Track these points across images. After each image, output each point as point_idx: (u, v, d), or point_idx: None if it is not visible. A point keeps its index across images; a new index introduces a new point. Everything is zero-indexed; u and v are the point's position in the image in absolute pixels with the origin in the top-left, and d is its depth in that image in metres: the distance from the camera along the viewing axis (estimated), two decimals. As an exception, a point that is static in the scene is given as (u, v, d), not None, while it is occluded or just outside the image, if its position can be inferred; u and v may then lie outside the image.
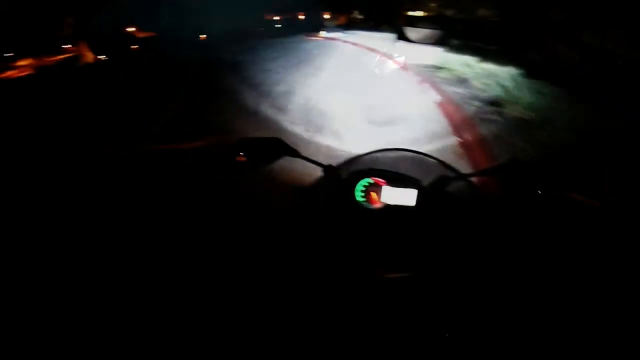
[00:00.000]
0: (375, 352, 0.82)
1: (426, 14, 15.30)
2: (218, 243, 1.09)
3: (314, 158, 0.99)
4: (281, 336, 0.89)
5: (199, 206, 1.60)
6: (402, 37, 12.20)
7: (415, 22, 12.48)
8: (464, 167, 1.06)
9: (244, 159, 0.96)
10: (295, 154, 0.99)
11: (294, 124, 3.80)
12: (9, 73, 8.87)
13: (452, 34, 10.26)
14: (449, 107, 4.62)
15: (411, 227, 0.96)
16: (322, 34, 16.48)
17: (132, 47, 13.85)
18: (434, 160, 1.02)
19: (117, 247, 1.46)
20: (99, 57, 11.56)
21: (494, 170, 1.01)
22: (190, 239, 1.30)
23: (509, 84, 5.83)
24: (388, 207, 0.98)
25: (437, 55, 8.42)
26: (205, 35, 21.43)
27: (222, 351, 0.97)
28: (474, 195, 0.99)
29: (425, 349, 0.82)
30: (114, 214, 1.72)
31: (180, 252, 1.33)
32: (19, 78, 8.41)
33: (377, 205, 0.98)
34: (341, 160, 1.04)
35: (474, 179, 1.00)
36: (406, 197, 0.97)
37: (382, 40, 11.89)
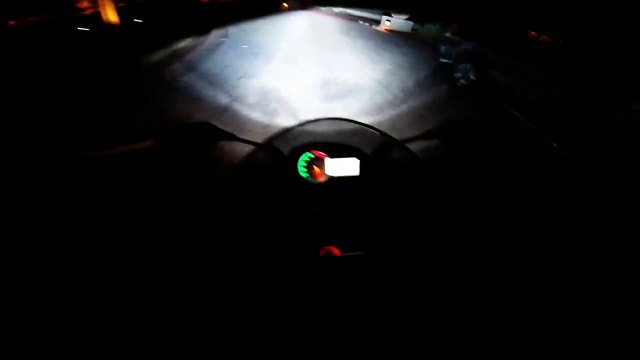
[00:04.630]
0: (326, 335, 0.80)
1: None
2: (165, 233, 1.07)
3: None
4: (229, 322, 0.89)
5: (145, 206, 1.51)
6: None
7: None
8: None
9: None
10: (229, 136, 0.96)
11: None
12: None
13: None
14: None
15: (357, 196, 0.93)
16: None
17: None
18: (371, 129, 0.99)
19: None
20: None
21: (429, 135, 1.01)
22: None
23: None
24: (332, 180, 0.95)
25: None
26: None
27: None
28: (413, 161, 0.96)
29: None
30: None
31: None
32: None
33: (322, 179, 0.95)
34: (277, 133, 0.99)
35: (411, 145, 0.96)
36: (349, 167, 0.94)
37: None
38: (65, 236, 1.40)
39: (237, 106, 3.71)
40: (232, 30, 9.53)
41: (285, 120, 3.27)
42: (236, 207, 0.93)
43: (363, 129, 1.02)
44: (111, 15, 10.94)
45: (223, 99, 3.90)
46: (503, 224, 1.07)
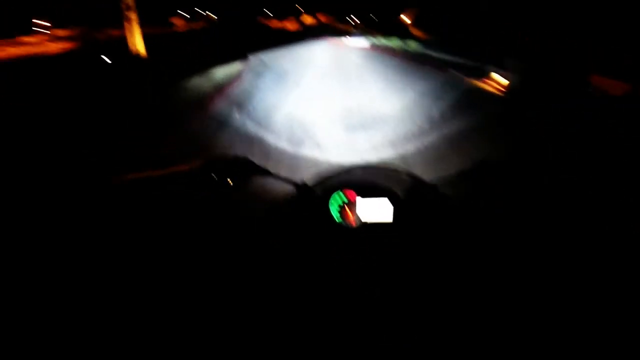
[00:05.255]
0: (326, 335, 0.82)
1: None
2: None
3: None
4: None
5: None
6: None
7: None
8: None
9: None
10: (265, 172, 0.98)
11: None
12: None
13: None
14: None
15: (391, 244, 0.92)
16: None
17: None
18: (405, 174, 0.98)
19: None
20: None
21: (461, 177, 1.03)
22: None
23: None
24: (366, 226, 0.94)
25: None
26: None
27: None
28: (448, 205, 0.94)
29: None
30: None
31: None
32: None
33: (355, 224, 0.94)
34: (313, 176, 1.01)
35: (446, 189, 0.96)
36: (382, 211, 0.93)
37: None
38: (64, 236, 1.47)
39: (264, 134, 3.86)
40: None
41: (310, 150, 3.36)
42: (267, 252, 0.94)
43: (394, 170, 1.02)
44: (139, 45, 9.87)
45: (251, 128, 4.07)
46: (503, 223, 1.03)
